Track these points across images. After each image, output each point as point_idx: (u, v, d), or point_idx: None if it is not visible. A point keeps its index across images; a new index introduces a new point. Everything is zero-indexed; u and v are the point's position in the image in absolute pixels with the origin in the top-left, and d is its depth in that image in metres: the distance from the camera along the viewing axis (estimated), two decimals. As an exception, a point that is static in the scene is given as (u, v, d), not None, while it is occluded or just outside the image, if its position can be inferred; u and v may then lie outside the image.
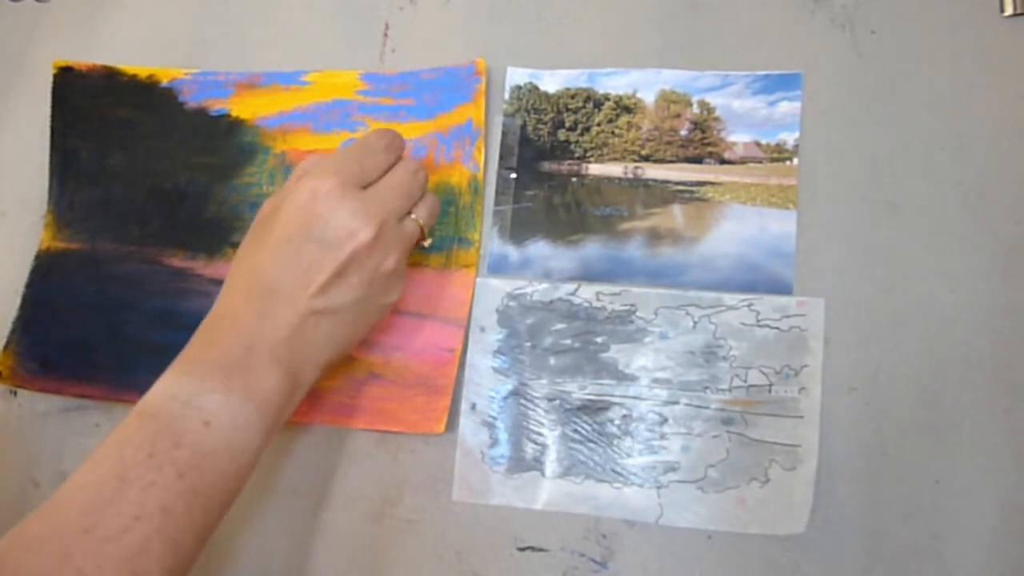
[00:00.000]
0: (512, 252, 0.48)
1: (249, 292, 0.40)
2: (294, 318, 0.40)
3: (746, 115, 0.47)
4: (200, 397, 0.37)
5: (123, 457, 0.36)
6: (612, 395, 0.45)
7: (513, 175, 0.49)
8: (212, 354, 0.39)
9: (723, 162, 0.47)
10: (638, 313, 0.45)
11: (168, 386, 0.38)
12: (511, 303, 0.47)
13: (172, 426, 0.36)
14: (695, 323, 0.45)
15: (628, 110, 0.49)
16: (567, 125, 0.49)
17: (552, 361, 0.46)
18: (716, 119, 0.47)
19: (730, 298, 0.45)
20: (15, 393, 0.52)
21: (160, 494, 0.35)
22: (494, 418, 0.46)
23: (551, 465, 0.45)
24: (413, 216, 0.43)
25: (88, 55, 0.56)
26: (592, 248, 0.47)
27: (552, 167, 0.49)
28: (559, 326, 0.46)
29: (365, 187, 0.42)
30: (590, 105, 0.49)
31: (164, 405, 0.37)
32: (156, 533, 0.34)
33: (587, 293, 0.46)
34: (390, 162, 0.43)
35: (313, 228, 0.40)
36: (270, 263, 0.40)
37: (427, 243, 0.45)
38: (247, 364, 0.38)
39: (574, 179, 0.49)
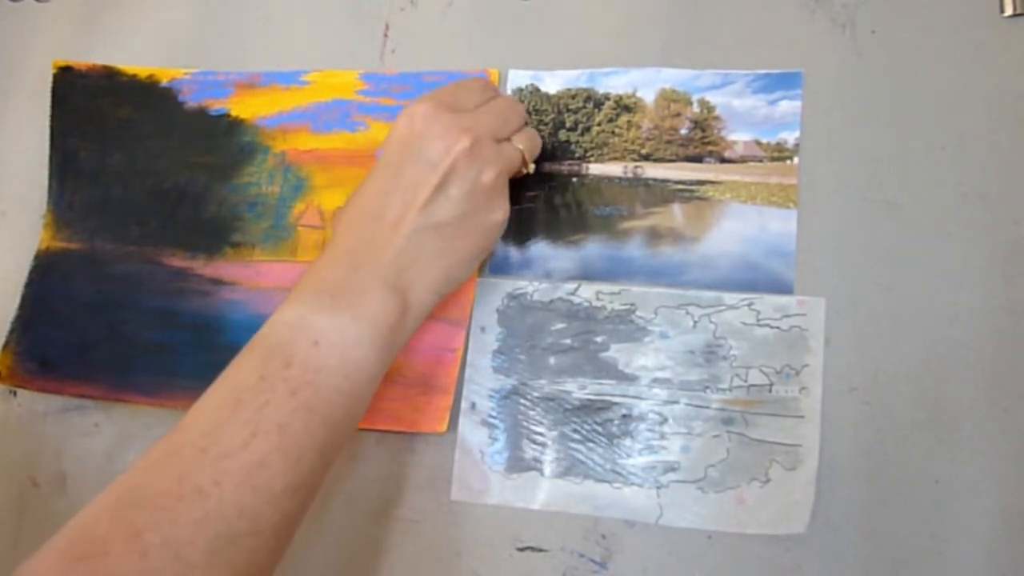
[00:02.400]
0: (513, 252, 0.48)
1: (352, 222, 0.41)
2: (399, 237, 0.40)
3: (746, 114, 0.47)
4: (307, 319, 0.38)
5: (236, 382, 0.37)
6: (612, 395, 0.45)
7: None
8: (318, 280, 0.39)
9: (723, 161, 0.47)
10: (638, 313, 0.45)
11: (275, 317, 0.39)
12: (511, 303, 0.47)
13: (281, 348, 0.37)
14: (695, 322, 0.45)
15: (628, 109, 0.49)
16: (568, 125, 0.49)
17: (552, 361, 0.46)
18: (716, 118, 0.47)
19: (730, 297, 0.45)
20: (15, 393, 0.52)
21: (275, 412, 0.35)
22: (494, 418, 0.46)
23: (551, 465, 0.45)
24: (513, 142, 0.44)
25: (88, 55, 0.56)
26: (592, 248, 0.47)
27: (553, 167, 0.49)
28: (559, 326, 0.46)
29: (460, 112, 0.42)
30: (590, 105, 0.49)
31: (273, 331, 0.38)
32: (275, 449, 0.35)
33: (587, 293, 0.46)
34: (486, 98, 0.44)
35: (411, 147, 0.41)
36: (372, 189, 0.41)
37: (530, 169, 0.45)
38: (353, 285, 0.39)
39: (574, 179, 0.49)
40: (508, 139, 0.44)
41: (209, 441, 0.35)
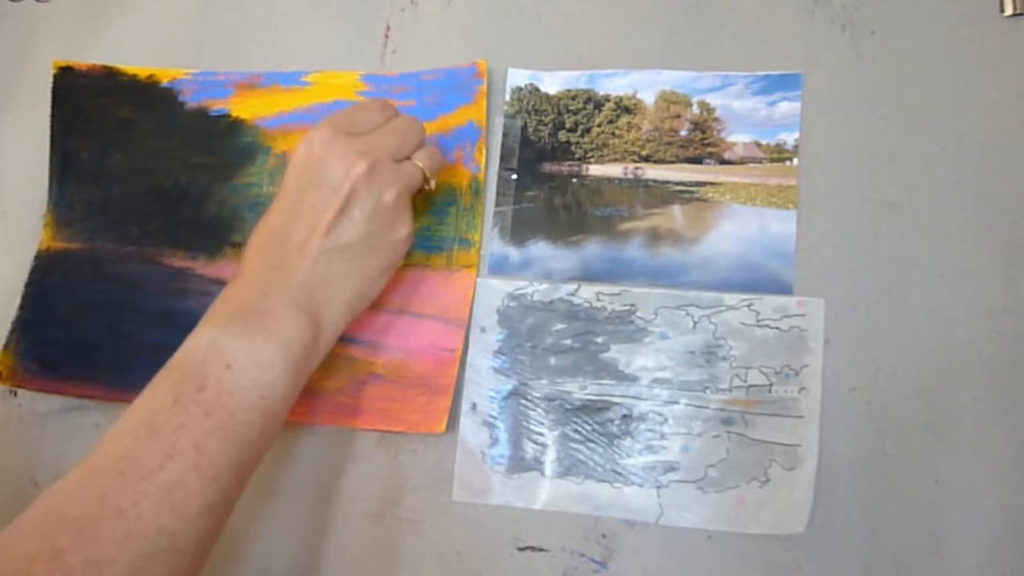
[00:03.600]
0: (513, 252, 0.48)
1: (261, 248, 0.42)
2: (306, 260, 0.41)
3: (746, 115, 0.47)
4: (219, 342, 0.38)
5: (152, 406, 0.37)
6: (612, 395, 0.45)
7: (514, 176, 0.49)
8: (228, 307, 0.40)
9: (723, 162, 0.47)
10: (638, 313, 0.45)
11: (188, 343, 0.39)
12: (511, 303, 0.47)
13: (195, 371, 0.38)
14: (695, 323, 0.45)
15: (628, 111, 0.49)
16: (567, 126, 0.49)
17: (552, 361, 0.46)
18: (716, 119, 0.47)
19: (730, 298, 0.45)
20: (15, 393, 0.52)
21: (190, 433, 0.36)
22: (494, 418, 0.46)
23: (551, 465, 0.45)
24: (413, 160, 0.45)
25: (88, 55, 0.56)
26: (592, 248, 0.47)
27: (553, 168, 0.49)
28: (559, 326, 0.46)
29: (358, 136, 0.43)
30: (590, 106, 0.49)
31: (187, 356, 0.39)
32: (191, 469, 0.36)
33: (587, 293, 0.46)
34: (385, 118, 0.45)
35: (311, 173, 0.42)
36: (278, 216, 0.42)
37: (431, 186, 0.46)
38: (264, 308, 0.40)
39: (574, 180, 0.49)
40: (408, 158, 0.45)
41: (127, 464, 0.35)
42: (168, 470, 0.35)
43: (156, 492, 0.35)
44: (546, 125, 0.50)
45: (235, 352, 0.38)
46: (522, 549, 0.44)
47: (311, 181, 0.42)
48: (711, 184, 0.47)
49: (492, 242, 0.48)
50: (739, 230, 0.46)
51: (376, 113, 0.45)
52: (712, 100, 0.48)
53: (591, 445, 0.44)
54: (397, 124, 0.45)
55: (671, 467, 0.43)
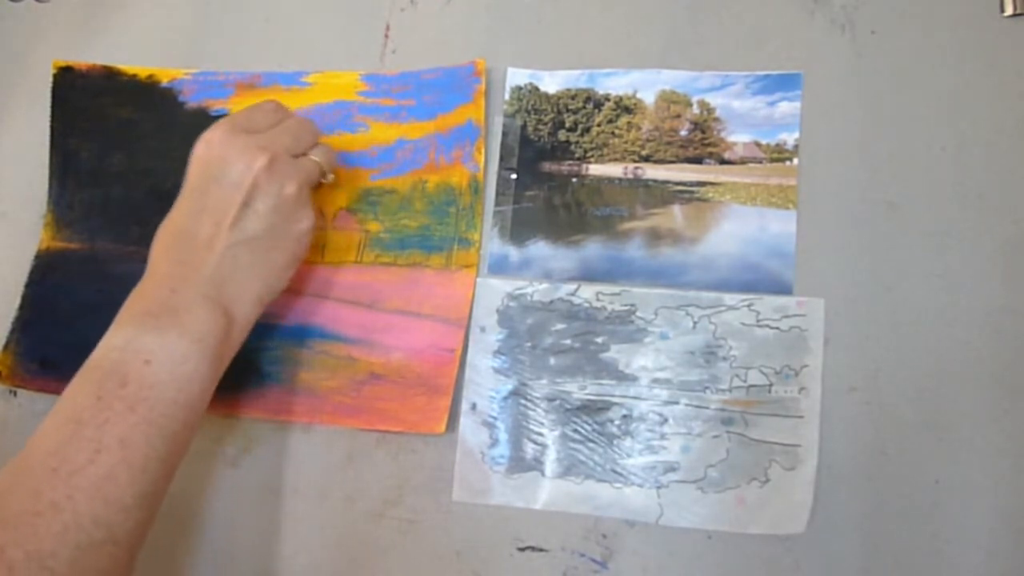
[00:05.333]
0: (512, 252, 0.48)
1: (167, 248, 0.43)
2: (213, 255, 0.42)
3: (746, 115, 0.47)
4: (135, 340, 0.39)
5: (75, 405, 0.38)
6: (612, 395, 0.45)
7: (513, 175, 0.49)
8: (141, 304, 0.41)
9: (723, 162, 0.47)
10: (638, 313, 0.45)
11: (104, 342, 0.40)
12: (511, 303, 0.47)
13: (115, 370, 0.39)
14: (695, 323, 0.45)
15: (628, 110, 0.49)
16: (567, 125, 0.49)
17: (552, 361, 0.46)
18: (716, 119, 0.47)
19: (730, 298, 0.45)
20: (15, 393, 0.52)
21: (115, 428, 0.37)
22: (494, 418, 0.46)
23: (551, 465, 0.45)
24: (310, 155, 0.46)
25: (88, 55, 0.56)
26: (592, 248, 0.47)
27: (552, 167, 0.49)
28: (559, 326, 0.46)
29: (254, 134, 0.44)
30: (590, 105, 0.49)
31: (104, 356, 0.39)
32: (120, 462, 0.37)
33: (587, 293, 0.46)
34: (279, 119, 0.46)
35: (212, 170, 0.43)
36: (182, 214, 0.43)
37: (329, 179, 0.47)
38: (176, 304, 0.41)
39: (574, 179, 0.49)
40: (304, 154, 0.46)
41: (57, 460, 0.36)
42: (98, 464, 0.36)
43: (88, 486, 0.36)
44: (546, 124, 0.50)
45: (151, 348, 0.39)
46: (522, 549, 0.44)
47: (212, 178, 0.43)
48: (711, 184, 0.47)
49: (492, 242, 0.48)
50: (739, 230, 0.46)
51: (271, 113, 0.46)
52: (712, 100, 0.48)
53: (591, 445, 0.44)
54: (291, 123, 0.46)
55: (671, 467, 0.43)
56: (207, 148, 0.43)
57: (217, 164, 0.43)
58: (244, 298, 0.43)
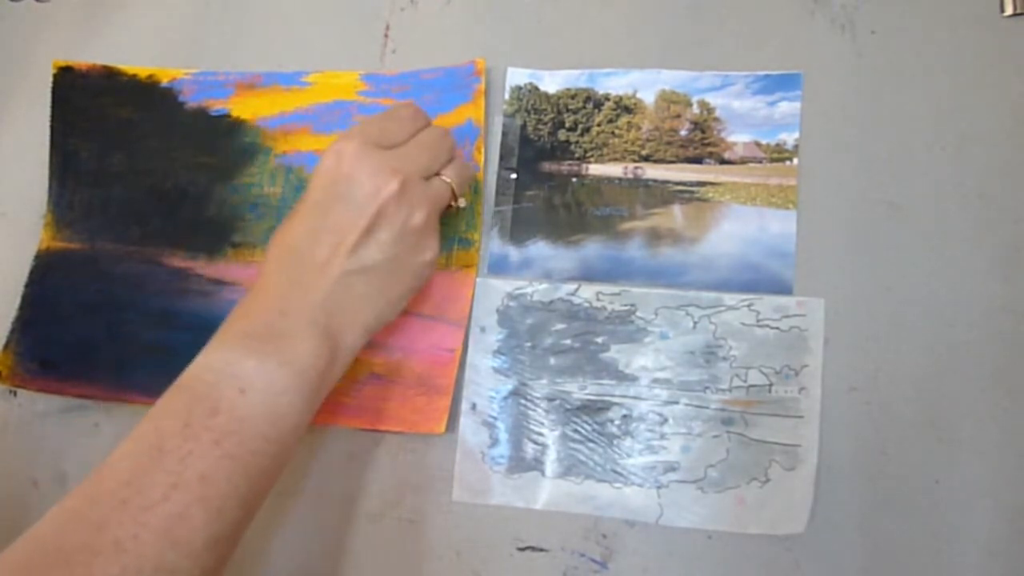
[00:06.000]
0: (512, 252, 0.48)
1: (281, 262, 0.40)
2: (327, 281, 0.39)
3: (746, 115, 0.47)
4: (234, 366, 0.37)
5: (159, 429, 0.35)
6: (612, 395, 0.45)
7: (513, 175, 0.49)
8: (245, 324, 0.39)
9: (723, 162, 0.47)
10: (638, 313, 0.45)
11: (202, 359, 0.38)
12: (511, 303, 0.47)
13: (208, 395, 0.36)
14: (695, 323, 0.45)
15: (628, 110, 0.49)
16: (567, 125, 0.49)
17: (552, 361, 0.46)
18: (716, 119, 0.47)
19: (730, 298, 0.45)
20: (15, 393, 0.52)
21: (198, 462, 0.34)
22: (494, 418, 0.46)
23: (551, 465, 0.45)
24: (442, 176, 0.43)
25: (88, 55, 0.56)
26: (592, 248, 0.47)
27: (552, 167, 0.49)
28: (559, 326, 0.46)
29: (389, 149, 0.42)
30: (590, 105, 0.49)
31: (198, 377, 0.37)
32: (196, 501, 0.34)
33: (587, 293, 0.46)
34: (416, 128, 0.43)
35: (339, 188, 0.40)
36: (300, 230, 0.40)
37: (461, 204, 0.45)
38: (281, 330, 0.38)
39: (574, 179, 0.49)
40: (437, 173, 0.43)
41: (130, 492, 0.33)
42: (173, 501, 0.33)
43: (158, 524, 0.33)
44: (546, 124, 0.50)
45: (250, 376, 0.36)
46: (522, 549, 0.44)
47: (337, 197, 0.40)
48: (711, 184, 0.47)
49: (492, 242, 0.48)
50: (739, 230, 0.46)
51: (407, 122, 0.43)
52: (712, 100, 0.48)
53: (591, 445, 0.44)
54: (428, 138, 0.43)
55: (671, 467, 0.43)
56: (337, 161, 0.40)
57: (344, 182, 0.40)
58: (352, 329, 0.40)
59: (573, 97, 0.50)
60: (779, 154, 0.46)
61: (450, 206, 0.44)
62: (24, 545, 0.33)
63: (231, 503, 0.35)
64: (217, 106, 0.53)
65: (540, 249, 0.48)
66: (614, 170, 0.48)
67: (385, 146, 0.41)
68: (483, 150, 0.49)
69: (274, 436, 0.37)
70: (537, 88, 0.50)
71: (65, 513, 0.34)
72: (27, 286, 0.52)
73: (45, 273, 0.53)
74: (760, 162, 0.46)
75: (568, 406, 0.45)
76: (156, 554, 0.33)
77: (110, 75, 0.55)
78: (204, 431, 0.35)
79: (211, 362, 0.37)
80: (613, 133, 0.49)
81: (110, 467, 0.35)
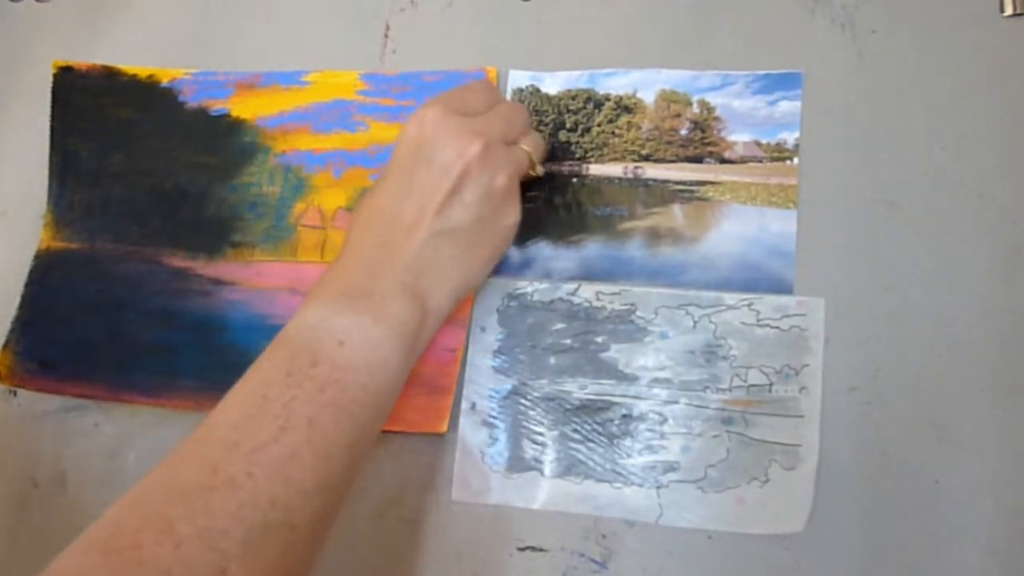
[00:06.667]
0: (513, 253, 0.48)
1: (369, 226, 0.41)
2: (414, 243, 0.40)
3: (746, 115, 0.47)
4: (330, 320, 0.38)
5: (263, 379, 0.37)
6: (612, 395, 0.45)
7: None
8: (337, 283, 0.40)
9: (723, 162, 0.47)
10: (638, 313, 0.45)
11: (297, 318, 0.39)
12: (511, 303, 0.47)
13: (307, 347, 0.37)
14: (695, 323, 0.45)
15: (628, 110, 0.49)
16: (568, 126, 0.49)
17: (552, 361, 0.46)
18: (716, 119, 0.47)
19: (730, 298, 0.45)
20: (14, 393, 0.52)
21: (303, 407, 0.36)
22: (494, 418, 0.46)
23: (551, 465, 0.45)
24: (521, 145, 0.44)
25: (88, 55, 0.56)
26: (592, 248, 0.47)
27: (553, 168, 0.49)
28: (559, 326, 0.46)
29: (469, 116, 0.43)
30: (590, 105, 0.49)
31: (297, 331, 0.38)
32: (305, 443, 0.35)
33: (587, 293, 0.46)
34: (492, 101, 0.44)
35: (423, 152, 0.41)
36: (387, 194, 0.42)
37: (539, 171, 0.46)
38: (372, 289, 0.39)
39: (575, 179, 0.49)
40: (515, 142, 0.44)
41: (239, 435, 0.35)
42: (282, 443, 0.35)
43: (270, 464, 0.34)
44: (547, 125, 0.50)
45: (346, 329, 0.38)
46: (522, 549, 0.44)
47: (422, 160, 0.41)
48: (711, 183, 0.47)
49: (492, 242, 0.48)
50: (739, 229, 0.46)
51: (484, 95, 0.44)
52: (712, 99, 0.48)
53: (591, 445, 0.44)
54: (505, 108, 0.44)
55: (671, 467, 0.43)
56: (419, 127, 0.42)
57: (428, 146, 0.41)
58: (440, 291, 0.41)
59: (574, 98, 0.50)
60: (779, 154, 0.46)
61: (528, 175, 0.45)
62: (144, 485, 0.34)
63: (338, 449, 0.36)
64: (217, 106, 0.53)
65: (540, 249, 0.48)
66: (614, 170, 0.48)
67: (465, 113, 0.42)
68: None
69: (373, 388, 0.38)
70: (539, 90, 0.50)
71: (178, 456, 0.35)
72: (27, 286, 0.52)
73: (45, 273, 0.53)
74: (760, 161, 0.46)
75: (568, 406, 0.45)
76: (269, 490, 0.34)
77: (110, 75, 0.55)
78: (306, 379, 0.36)
79: (307, 319, 0.38)
80: (613, 133, 0.49)
81: (217, 415, 0.36)
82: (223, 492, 0.33)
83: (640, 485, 0.43)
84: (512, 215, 0.43)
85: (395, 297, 0.39)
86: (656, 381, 0.44)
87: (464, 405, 0.46)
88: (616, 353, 0.45)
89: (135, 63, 0.55)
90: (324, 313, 0.38)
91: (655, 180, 0.48)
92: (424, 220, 0.41)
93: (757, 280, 0.45)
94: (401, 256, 0.40)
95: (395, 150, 0.42)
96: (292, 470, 0.34)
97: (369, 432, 0.38)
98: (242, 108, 0.53)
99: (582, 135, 0.49)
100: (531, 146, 0.45)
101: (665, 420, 0.44)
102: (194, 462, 0.34)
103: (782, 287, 0.44)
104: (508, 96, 0.50)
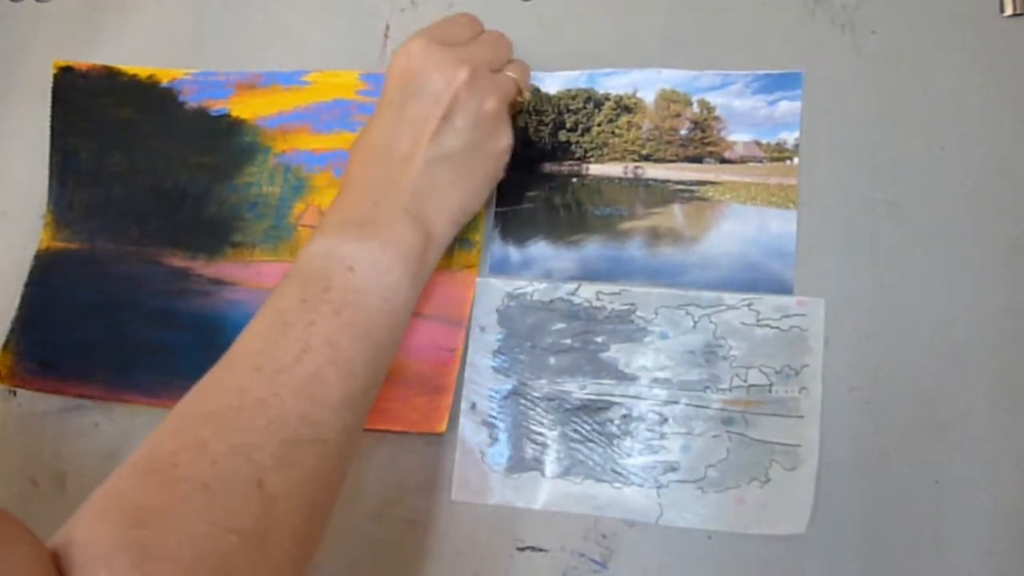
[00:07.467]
0: (513, 252, 0.48)
1: (365, 160, 0.43)
2: (412, 170, 0.42)
3: (746, 114, 0.47)
4: (338, 248, 0.39)
5: (279, 307, 0.38)
6: (612, 395, 0.45)
7: (514, 176, 0.49)
8: (340, 215, 0.41)
9: (723, 161, 0.47)
10: (638, 313, 0.45)
11: (306, 251, 0.40)
12: (511, 303, 0.47)
13: (318, 274, 0.39)
14: (695, 323, 0.45)
15: (628, 110, 0.49)
16: (568, 126, 0.49)
17: (552, 361, 0.46)
18: (716, 118, 0.47)
19: (730, 298, 0.45)
20: (14, 393, 0.52)
21: (322, 330, 0.37)
22: (494, 418, 0.46)
23: (551, 465, 0.45)
24: (506, 72, 0.45)
25: (88, 55, 0.56)
26: (592, 248, 0.47)
27: (553, 168, 0.49)
28: (559, 326, 0.46)
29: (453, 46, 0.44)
30: (590, 105, 0.49)
31: (307, 262, 0.39)
32: (328, 363, 0.36)
33: (587, 293, 0.46)
34: (475, 32, 0.46)
35: (411, 84, 0.42)
36: (380, 128, 0.43)
37: (525, 96, 0.47)
38: (376, 216, 0.40)
39: (575, 179, 0.49)
40: (500, 70, 0.45)
41: (263, 359, 0.36)
42: (305, 363, 0.36)
43: (295, 383, 0.35)
44: (546, 125, 0.50)
45: (355, 255, 0.39)
46: (522, 549, 0.44)
47: (412, 92, 0.42)
48: (711, 183, 0.47)
49: (493, 242, 0.48)
50: (739, 229, 0.46)
51: (467, 25, 0.45)
52: (712, 99, 0.48)
53: (591, 445, 0.44)
54: (488, 37, 0.46)
55: (671, 467, 0.43)
56: (406, 60, 0.43)
57: (416, 77, 0.42)
58: (441, 216, 0.42)
59: (574, 98, 0.50)
60: (779, 153, 0.46)
61: (516, 101, 0.46)
62: (174, 415, 0.36)
63: (359, 367, 0.37)
64: (217, 106, 0.53)
65: (540, 249, 0.48)
66: (614, 170, 0.48)
67: (450, 44, 0.44)
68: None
69: (387, 309, 0.39)
70: (538, 89, 0.50)
71: (204, 385, 0.36)
72: (27, 286, 0.52)
73: (45, 273, 0.53)
74: (760, 161, 0.46)
75: (568, 406, 0.45)
76: (297, 407, 0.35)
77: (110, 75, 0.55)
78: (322, 303, 0.38)
79: (315, 249, 0.40)
80: (613, 133, 0.49)
81: (239, 345, 0.37)
82: (252, 410, 0.34)
83: (640, 485, 0.43)
84: (504, 138, 0.44)
85: (399, 223, 0.40)
86: (656, 381, 0.44)
87: (464, 405, 0.46)
88: (616, 353, 0.45)
89: (135, 63, 0.55)
90: (331, 243, 0.39)
91: (655, 180, 0.48)
92: (419, 149, 0.42)
93: (757, 280, 0.45)
94: (401, 184, 0.41)
95: (384, 85, 0.43)
96: (317, 389, 0.36)
97: (386, 352, 0.40)
98: (242, 108, 0.53)
99: (582, 135, 0.49)
100: (517, 72, 0.46)
101: (665, 420, 0.44)
102: (221, 387, 0.36)
103: (782, 287, 0.44)
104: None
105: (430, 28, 0.44)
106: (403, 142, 0.42)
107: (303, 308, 0.37)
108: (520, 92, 0.46)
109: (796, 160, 0.46)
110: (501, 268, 0.48)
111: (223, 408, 0.35)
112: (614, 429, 0.44)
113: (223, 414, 0.34)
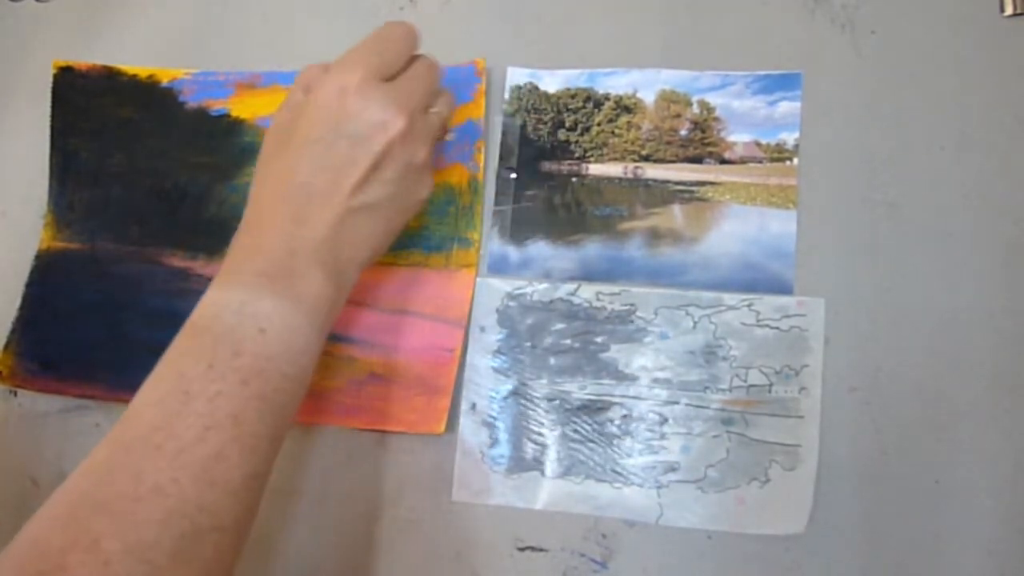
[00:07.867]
0: (512, 252, 0.48)
1: (281, 196, 0.39)
2: (332, 218, 0.39)
3: (746, 115, 0.47)
4: (251, 305, 0.36)
5: (183, 372, 0.35)
6: (612, 395, 0.45)
7: (513, 175, 0.49)
8: (255, 262, 0.38)
9: (723, 162, 0.47)
10: (638, 313, 0.45)
11: (216, 298, 0.37)
12: (511, 303, 0.47)
13: (228, 335, 0.36)
14: (695, 323, 0.45)
15: (628, 110, 0.49)
16: (567, 125, 0.49)
17: (552, 361, 0.46)
18: (716, 119, 0.47)
19: (730, 298, 0.45)
20: (15, 393, 0.52)
21: (228, 403, 0.34)
22: (494, 418, 0.46)
23: (551, 465, 0.45)
24: (435, 110, 0.43)
25: (88, 55, 0.56)
26: (592, 248, 0.47)
27: (552, 167, 0.49)
28: (559, 326, 0.46)
29: (388, 80, 0.41)
30: (590, 105, 0.49)
31: (216, 316, 0.37)
32: (231, 441, 0.34)
33: (587, 293, 0.46)
34: (409, 52, 0.43)
35: (342, 125, 0.39)
36: (301, 165, 0.39)
37: (449, 136, 0.46)
38: (291, 268, 0.38)
39: (574, 179, 0.49)
40: (431, 106, 0.43)
41: (162, 436, 0.33)
42: (208, 441, 0.33)
43: (196, 466, 0.33)
44: (545, 124, 0.50)
45: (268, 315, 0.36)
46: (522, 549, 0.44)
47: (343, 134, 0.39)
48: (711, 184, 0.47)
49: (491, 242, 0.48)
50: (739, 230, 0.46)
51: (402, 46, 0.42)
52: (712, 99, 0.48)
53: (591, 445, 0.44)
54: (422, 69, 0.42)
55: (671, 467, 0.43)
56: (340, 96, 0.39)
57: (350, 120, 0.39)
58: (351, 266, 0.40)
59: (573, 97, 0.50)
60: (779, 154, 0.46)
61: (441, 138, 0.45)
62: (64, 497, 0.33)
63: (263, 441, 0.35)
64: (217, 106, 0.53)
65: (540, 249, 0.48)
66: (614, 170, 0.48)
67: (386, 77, 0.41)
68: (483, 150, 0.49)
69: (292, 374, 0.37)
70: (537, 88, 0.50)
71: (100, 465, 0.33)
72: (27, 286, 0.53)
73: (45, 273, 0.53)
74: (760, 162, 0.46)
75: (568, 406, 0.45)
76: (197, 495, 0.33)
77: (110, 75, 0.55)
78: (230, 372, 0.35)
79: (228, 301, 0.37)
80: (613, 133, 0.49)
81: (136, 414, 0.35)
82: (149, 501, 0.32)
83: (640, 485, 0.43)
84: (426, 189, 0.43)
85: (313, 277, 0.38)
86: (656, 381, 0.44)
87: (464, 405, 0.46)
88: (616, 353, 0.45)
89: (135, 63, 0.55)
90: (245, 297, 0.37)
91: (655, 180, 0.48)
92: (340, 194, 0.39)
93: (757, 280, 0.45)
94: (319, 233, 0.39)
95: (308, 114, 0.40)
96: (218, 471, 0.33)
97: (288, 417, 0.37)
98: (242, 108, 0.53)
99: (581, 134, 0.49)
100: (445, 106, 0.43)
101: (665, 420, 0.44)
102: (117, 469, 0.33)
103: (782, 287, 0.44)
104: (506, 94, 0.50)
105: (366, 52, 0.41)
106: (326, 185, 0.39)
107: (209, 375, 0.35)
108: (445, 131, 0.44)
109: (796, 160, 0.46)
110: (500, 267, 0.48)
111: (118, 497, 0.32)
112: (614, 429, 0.44)
113: (117, 505, 0.32)
